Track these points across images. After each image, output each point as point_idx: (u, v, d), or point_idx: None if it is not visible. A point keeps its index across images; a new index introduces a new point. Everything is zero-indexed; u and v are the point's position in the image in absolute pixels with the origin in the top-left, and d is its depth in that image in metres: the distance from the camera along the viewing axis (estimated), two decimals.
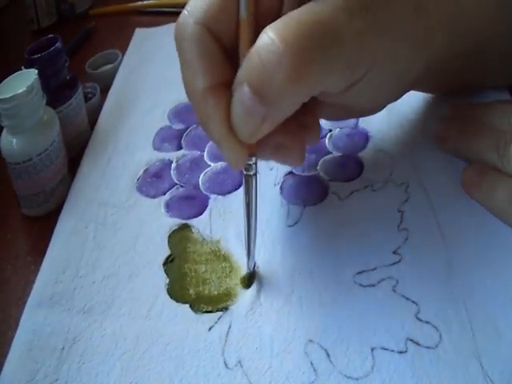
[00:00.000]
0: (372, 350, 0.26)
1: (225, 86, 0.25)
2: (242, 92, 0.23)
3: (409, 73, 0.29)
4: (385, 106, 0.32)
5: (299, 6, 0.24)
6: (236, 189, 0.36)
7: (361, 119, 0.39)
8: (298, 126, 0.28)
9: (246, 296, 0.30)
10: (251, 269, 0.30)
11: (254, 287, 0.30)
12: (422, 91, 0.37)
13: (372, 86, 0.27)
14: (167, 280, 0.31)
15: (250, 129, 0.24)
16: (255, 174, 0.28)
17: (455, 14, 0.29)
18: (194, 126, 0.41)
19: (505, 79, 0.37)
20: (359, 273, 0.29)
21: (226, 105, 0.25)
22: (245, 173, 0.28)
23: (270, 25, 0.23)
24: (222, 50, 0.26)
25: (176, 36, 0.26)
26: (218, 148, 0.26)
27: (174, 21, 0.27)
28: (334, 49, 0.23)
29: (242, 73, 0.24)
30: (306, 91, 0.24)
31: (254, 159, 0.27)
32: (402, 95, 0.31)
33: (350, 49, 0.24)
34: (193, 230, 0.34)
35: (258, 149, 0.27)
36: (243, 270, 0.31)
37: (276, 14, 0.25)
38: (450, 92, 0.38)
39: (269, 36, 0.23)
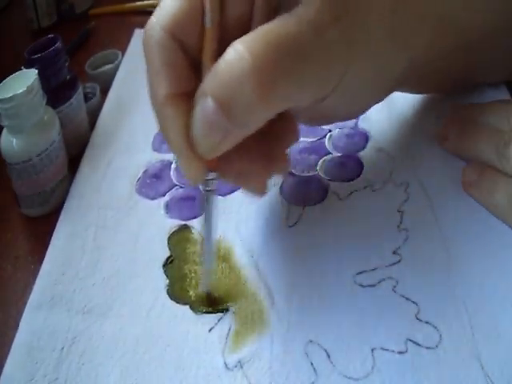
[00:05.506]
0: (372, 350, 0.26)
1: (187, 96, 0.24)
2: (206, 105, 0.22)
3: (388, 76, 0.28)
4: (368, 109, 0.31)
5: (269, 19, 0.23)
6: (236, 190, 0.35)
7: (360, 119, 0.39)
8: (264, 156, 0.27)
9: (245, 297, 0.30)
10: (206, 289, 0.29)
11: (254, 288, 0.30)
12: (407, 92, 0.36)
13: (346, 96, 0.26)
14: (167, 281, 0.31)
15: (209, 144, 0.23)
16: (214, 191, 0.27)
17: (441, 15, 0.28)
18: None
19: (495, 75, 0.37)
20: (359, 273, 0.29)
21: (185, 116, 0.24)
22: (203, 188, 0.26)
23: (239, 39, 0.22)
24: (187, 59, 0.25)
25: (143, 42, 0.25)
26: (177, 160, 0.25)
27: None
28: (302, 64, 0.23)
29: (206, 85, 0.23)
30: (274, 107, 0.23)
31: (213, 175, 0.26)
32: (385, 97, 0.31)
33: (318, 63, 0.23)
34: (192, 231, 0.34)
35: (222, 172, 0.26)
36: (242, 271, 0.31)
37: (244, 28, 0.24)
38: (437, 92, 0.37)
39: (237, 50, 0.22)
